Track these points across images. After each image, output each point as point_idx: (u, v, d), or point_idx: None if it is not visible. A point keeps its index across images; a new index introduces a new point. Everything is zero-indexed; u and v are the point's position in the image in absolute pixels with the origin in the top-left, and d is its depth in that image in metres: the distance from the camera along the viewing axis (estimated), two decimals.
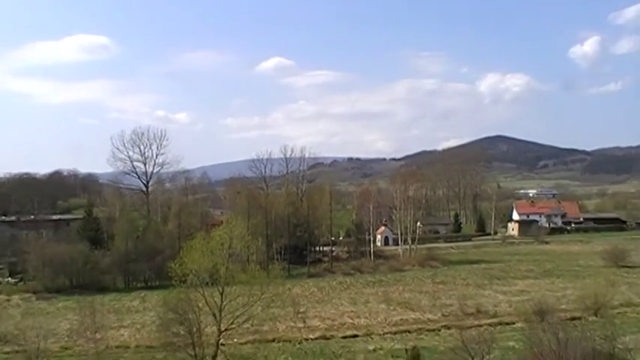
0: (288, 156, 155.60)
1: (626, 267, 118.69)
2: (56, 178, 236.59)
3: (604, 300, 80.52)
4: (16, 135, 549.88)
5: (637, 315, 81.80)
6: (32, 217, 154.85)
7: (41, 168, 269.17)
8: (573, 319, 72.37)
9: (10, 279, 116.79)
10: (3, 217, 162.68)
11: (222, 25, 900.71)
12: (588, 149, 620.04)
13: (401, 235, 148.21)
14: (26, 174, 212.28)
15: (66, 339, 75.08)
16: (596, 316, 77.01)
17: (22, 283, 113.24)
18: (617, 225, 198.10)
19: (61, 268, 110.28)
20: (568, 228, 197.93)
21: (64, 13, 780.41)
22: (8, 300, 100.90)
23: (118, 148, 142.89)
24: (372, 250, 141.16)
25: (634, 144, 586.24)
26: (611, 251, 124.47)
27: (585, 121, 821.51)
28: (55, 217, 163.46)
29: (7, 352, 70.54)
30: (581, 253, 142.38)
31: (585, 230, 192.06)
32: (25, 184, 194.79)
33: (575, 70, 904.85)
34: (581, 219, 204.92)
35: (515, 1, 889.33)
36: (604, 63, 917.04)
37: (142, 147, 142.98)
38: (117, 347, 71.07)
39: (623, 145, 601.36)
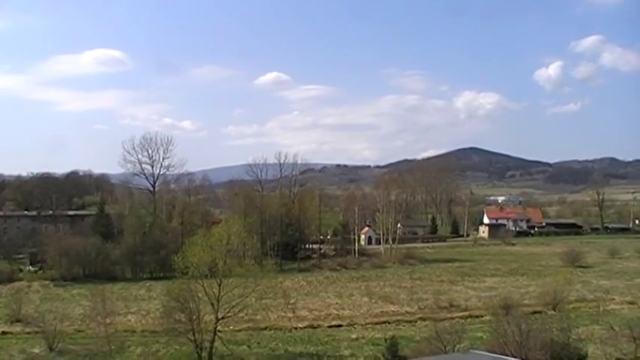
0: (282, 162, 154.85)
1: (582, 267, 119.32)
2: (73, 177, 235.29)
3: (562, 296, 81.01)
4: (39, 138, 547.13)
5: (589, 310, 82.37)
6: (51, 212, 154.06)
7: (60, 168, 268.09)
8: (535, 312, 72.40)
9: (30, 267, 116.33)
10: (25, 212, 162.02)
11: (226, 43, 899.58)
12: (550, 161, 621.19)
13: (383, 235, 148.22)
14: (46, 173, 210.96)
15: (79, 322, 74.98)
16: (555, 310, 77.33)
17: (41, 271, 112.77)
18: (574, 230, 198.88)
19: (75, 258, 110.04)
20: (532, 232, 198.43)
21: (85, 29, 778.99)
22: (29, 286, 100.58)
23: (128, 152, 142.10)
24: (356, 249, 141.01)
25: (590, 157, 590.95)
26: (569, 253, 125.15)
27: (548, 136, 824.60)
28: (71, 212, 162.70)
29: (28, 333, 70.65)
30: (543, 254, 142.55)
31: (547, 234, 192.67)
32: (45, 182, 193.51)
33: (540, 90, 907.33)
34: (544, 224, 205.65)
35: (489, 28, 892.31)
36: (565, 85, 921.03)
37: (150, 151, 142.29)
38: (124, 331, 70.96)
39: (581, 158, 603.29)
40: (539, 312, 74.90)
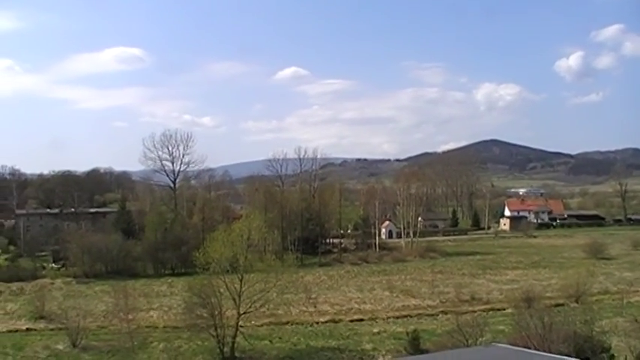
0: (301, 156, 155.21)
1: (604, 259, 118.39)
2: (94, 175, 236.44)
3: (584, 288, 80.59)
4: (60, 137, 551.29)
5: (612, 302, 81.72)
6: (73, 210, 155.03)
7: (81, 166, 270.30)
8: (557, 305, 72.01)
9: (53, 265, 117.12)
10: (48, 210, 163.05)
11: (244, 39, 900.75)
12: (572, 153, 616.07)
13: (403, 228, 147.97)
14: (68, 171, 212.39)
15: (102, 319, 75.36)
16: (577, 302, 76.83)
17: (64, 268, 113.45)
18: (596, 221, 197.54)
19: (97, 255, 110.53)
20: (553, 224, 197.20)
21: (104, 27, 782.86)
22: (52, 283, 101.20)
23: (148, 149, 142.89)
24: (377, 243, 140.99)
25: (612, 148, 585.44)
26: (591, 245, 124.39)
27: (570, 127, 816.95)
28: (92, 210, 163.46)
29: (52, 329, 71.27)
30: (565, 246, 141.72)
31: (569, 226, 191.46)
32: (66, 180, 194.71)
33: (560, 81, 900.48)
34: (565, 216, 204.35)
35: (509, 18, 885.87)
36: (586, 76, 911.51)
37: (170, 148, 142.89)
38: (147, 327, 71.27)
39: (603, 149, 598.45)
40: (562, 304, 74.41)
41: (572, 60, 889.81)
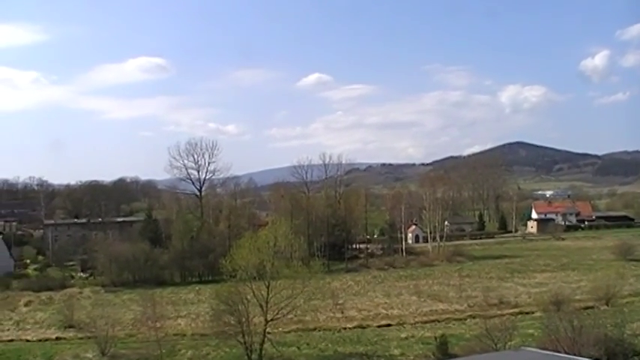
0: (326, 162, 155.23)
1: (634, 260, 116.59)
2: (120, 184, 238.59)
3: (614, 291, 79.73)
4: (86, 147, 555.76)
5: None
6: (100, 219, 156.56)
7: (107, 176, 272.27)
8: (587, 308, 71.57)
9: (81, 274, 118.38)
10: (75, 220, 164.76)
11: (267, 46, 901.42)
12: (599, 153, 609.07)
13: (430, 233, 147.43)
14: (95, 181, 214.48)
15: (130, 327, 75.98)
16: (608, 305, 76.17)
17: (92, 277, 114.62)
18: (625, 222, 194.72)
19: (125, 264, 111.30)
20: (582, 225, 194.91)
21: (128, 38, 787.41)
22: (80, 292, 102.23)
23: (174, 157, 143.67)
24: (403, 247, 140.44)
25: None
26: (621, 246, 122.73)
27: (596, 127, 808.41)
28: (119, 219, 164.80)
29: (81, 338, 71.90)
30: (594, 248, 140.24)
31: (597, 227, 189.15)
32: (93, 190, 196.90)
33: (586, 81, 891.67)
34: (594, 217, 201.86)
35: (533, 20, 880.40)
36: (612, 75, 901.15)
37: (195, 156, 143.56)
38: (175, 335, 71.74)
39: (631, 149, 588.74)
40: (592, 307, 73.84)
41: (598, 59, 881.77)
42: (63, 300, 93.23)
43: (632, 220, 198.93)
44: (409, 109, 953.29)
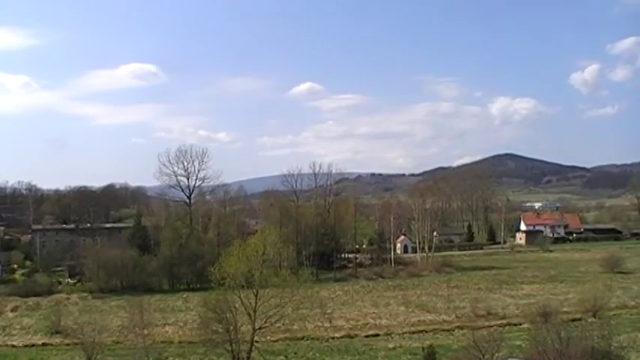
0: (316, 171, 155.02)
1: (622, 273, 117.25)
2: (109, 190, 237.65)
3: (602, 303, 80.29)
4: (76, 153, 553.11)
5: (631, 316, 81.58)
6: (88, 225, 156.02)
7: (97, 182, 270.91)
8: (574, 320, 71.84)
9: (69, 280, 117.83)
10: (64, 225, 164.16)
11: (259, 54, 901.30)
12: (588, 166, 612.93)
13: (419, 243, 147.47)
14: (83, 187, 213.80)
15: (117, 334, 75.92)
16: (595, 317, 76.64)
17: (79, 283, 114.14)
18: (613, 235, 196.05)
19: (113, 270, 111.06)
20: (570, 238, 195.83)
21: (120, 44, 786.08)
22: (68, 298, 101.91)
23: (164, 164, 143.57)
24: (392, 257, 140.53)
25: (628, 161, 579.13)
26: (608, 259, 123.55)
27: (585, 140, 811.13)
28: (108, 225, 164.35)
29: (68, 344, 71.87)
30: (582, 260, 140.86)
31: (585, 240, 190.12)
32: (82, 196, 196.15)
33: (575, 94, 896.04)
34: (582, 229, 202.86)
35: (524, 33, 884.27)
36: (602, 88, 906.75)
37: (185, 163, 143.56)
38: (162, 342, 71.75)
39: (619, 162, 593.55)
40: (579, 319, 74.36)
41: (588, 73, 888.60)
42: (50, 306, 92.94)
43: (620, 232, 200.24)
44: (400, 119, 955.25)
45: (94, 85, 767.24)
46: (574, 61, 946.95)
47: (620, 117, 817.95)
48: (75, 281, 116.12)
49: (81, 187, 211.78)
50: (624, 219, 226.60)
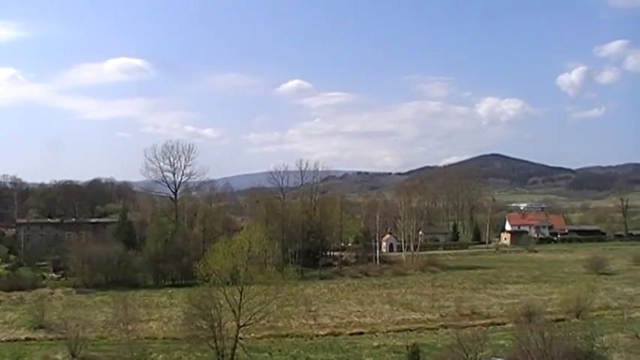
0: (303, 169, 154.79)
1: (605, 274, 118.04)
2: (95, 185, 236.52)
3: (585, 303, 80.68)
4: (62, 147, 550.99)
5: (613, 317, 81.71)
6: (74, 219, 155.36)
7: (82, 176, 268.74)
8: (558, 320, 72.01)
9: (53, 274, 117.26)
10: (48, 220, 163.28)
11: (247, 51, 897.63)
12: (573, 168, 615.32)
13: (404, 242, 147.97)
14: (69, 181, 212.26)
15: (101, 329, 75.56)
16: (578, 317, 77.07)
17: (64, 278, 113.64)
18: (597, 236, 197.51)
19: (98, 265, 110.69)
20: (554, 238, 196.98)
21: (108, 38, 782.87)
22: (52, 293, 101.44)
23: (150, 160, 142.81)
24: (377, 256, 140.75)
25: (613, 163, 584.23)
26: (592, 260, 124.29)
27: (571, 142, 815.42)
28: (93, 220, 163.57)
29: (51, 339, 71.35)
30: (566, 261, 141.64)
31: (570, 241, 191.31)
32: (68, 190, 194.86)
33: (562, 96, 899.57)
34: (566, 230, 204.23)
35: (513, 34, 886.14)
36: (589, 90, 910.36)
37: (172, 159, 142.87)
38: (146, 338, 71.37)
39: (604, 164, 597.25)
40: (563, 319, 74.56)
41: (575, 75, 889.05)
42: (34, 300, 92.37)
43: (604, 234, 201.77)
44: (387, 118, 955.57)
45: (82, 79, 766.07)
46: (562, 62, 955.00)
47: (607, 119, 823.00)
48: (59, 276, 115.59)
49: (66, 182, 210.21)
50: (608, 220, 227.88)
